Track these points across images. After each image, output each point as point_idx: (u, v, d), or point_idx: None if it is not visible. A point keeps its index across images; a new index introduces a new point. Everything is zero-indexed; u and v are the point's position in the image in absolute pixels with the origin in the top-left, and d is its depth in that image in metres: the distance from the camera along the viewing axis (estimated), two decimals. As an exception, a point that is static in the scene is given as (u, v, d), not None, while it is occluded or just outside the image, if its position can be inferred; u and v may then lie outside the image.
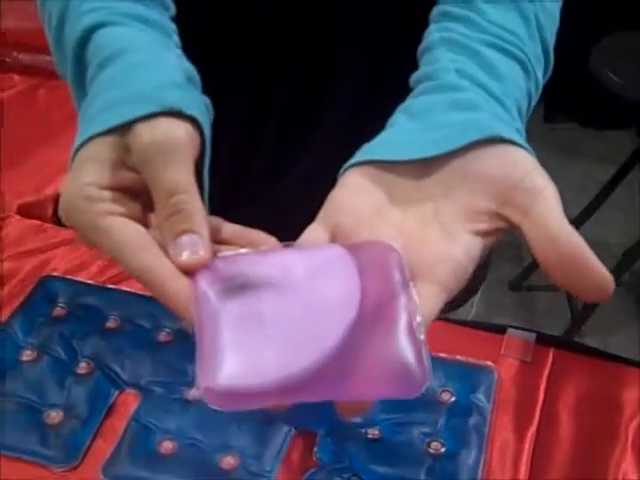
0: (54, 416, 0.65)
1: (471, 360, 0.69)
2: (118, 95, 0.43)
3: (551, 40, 0.56)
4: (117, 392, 0.67)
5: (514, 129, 0.45)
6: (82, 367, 0.69)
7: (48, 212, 0.97)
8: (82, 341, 0.71)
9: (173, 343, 0.71)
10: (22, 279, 0.78)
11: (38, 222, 0.87)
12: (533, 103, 0.52)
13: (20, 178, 1.01)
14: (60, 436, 0.63)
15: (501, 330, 0.73)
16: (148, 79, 0.43)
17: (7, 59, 1.33)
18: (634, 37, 1.96)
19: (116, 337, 0.72)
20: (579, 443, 0.64)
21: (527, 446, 0.64)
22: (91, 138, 0.42)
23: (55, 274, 0.79)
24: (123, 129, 0.41)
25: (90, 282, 0.78)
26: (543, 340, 0.72)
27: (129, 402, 0.66)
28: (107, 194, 0.41)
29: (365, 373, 0.37)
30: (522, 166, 0.42)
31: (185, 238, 0.40)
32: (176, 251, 0.39)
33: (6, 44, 1.31)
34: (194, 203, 0.40)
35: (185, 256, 0.39)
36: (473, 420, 0.65)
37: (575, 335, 1.88)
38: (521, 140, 0.43)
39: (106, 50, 0.45)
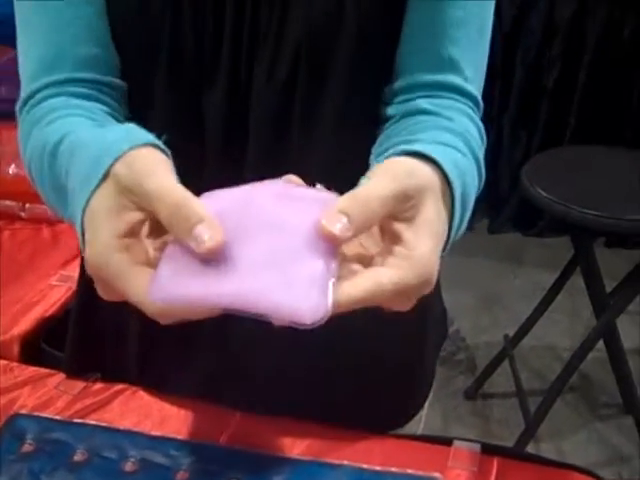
0: None
1: (420, 473, 0.74)
2: (93, 155, 0.53)
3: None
4: (86, 524, 0.70)
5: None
6: (51, 502, 0.71)
7: (14, 351, 1.01)
8: (50, 476, 0.73)
9: (139, 473, 0.74)
10: (-10, 418, 0.81)
11: (5, 361, 0.90)
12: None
13: (-14, 319, 1.05)
14: None
15: (448, 442, 0.78)
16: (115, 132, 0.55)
17: (-29, 207, 1.39)
18: (559, 154, 2.10)
19: (83, 470, 0.74)
20: None
21: None
22: (92, 193, 0.51)
23: (23, 411, 0.82)
24: (110, 174, 0.51)
25: (57, 417, 0.81)
26: (488, 450, 0.77)
27: (98, 533, 0.69)
28: (125, 241, 0.49)
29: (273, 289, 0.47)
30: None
31: (196, 231, 0.47)
32: (196, 243, 0.47)
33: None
34: (188, 200, 0.48)
35: (203, 247, 0.46)
36: (425, 531, 0.68)
37: (530, 440, 1.92)
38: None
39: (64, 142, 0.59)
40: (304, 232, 0.49)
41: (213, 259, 0.48)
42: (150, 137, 0.54)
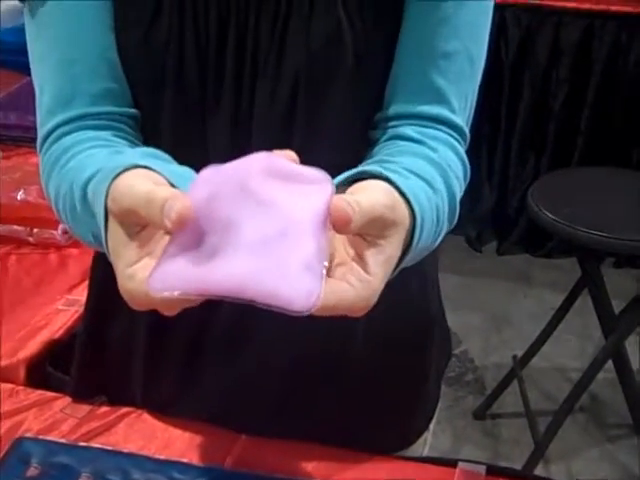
0: None
1: (424, 495, 0.74)
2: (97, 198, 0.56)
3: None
4: None
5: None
6: (56, 525, 0.72)
7: (20, 375, 1.01)
8: (55, 500, 0.74)
9: (143, 496, 0.75)
10: (-4, 442, 0.81)
11: (11, 385, 0.91)
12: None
13: (-7, 343, 1.06)
14: None
15: (453, 464, 0.78)
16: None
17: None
18: (566, 175, 2.11)
19: (88, 493, 0.75)
20: None
21: None
22: (105, 231, 0.54)
23: (28, 435, 0.82)
24: (109, 212, 0.53)
25: (62, 441, 0.81)
26: (493, 471, 0.77)
27: None
28: (139, 266, 0.51)
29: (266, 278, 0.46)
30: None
31: (165, 209, 0.48)
32: (166, 214, 0.48)
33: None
34: (153, 192, 0.50)
35: (173, 218, 0.47)
36: None
37: (539, 460, 1.91)
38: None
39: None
40: (298, 215, 0.48)
41: (209, 246, 0.48)
42: (123, 161, 0.56)
